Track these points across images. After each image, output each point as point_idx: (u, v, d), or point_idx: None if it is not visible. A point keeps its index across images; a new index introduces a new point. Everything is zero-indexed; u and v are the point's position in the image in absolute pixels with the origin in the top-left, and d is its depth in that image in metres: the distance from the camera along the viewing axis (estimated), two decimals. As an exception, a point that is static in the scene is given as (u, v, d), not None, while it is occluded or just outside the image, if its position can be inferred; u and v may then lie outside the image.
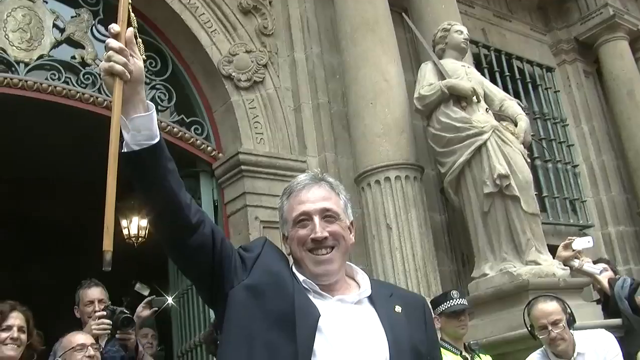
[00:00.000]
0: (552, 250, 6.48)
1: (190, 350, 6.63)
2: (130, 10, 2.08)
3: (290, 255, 2.28)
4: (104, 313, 4.54)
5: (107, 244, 1.91)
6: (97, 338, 4.37)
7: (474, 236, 6.17)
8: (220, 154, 6.70)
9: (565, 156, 9.39)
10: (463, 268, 6.98)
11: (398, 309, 2.28)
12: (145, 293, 4.72)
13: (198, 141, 6.64)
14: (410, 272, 5.93)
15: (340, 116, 6.97)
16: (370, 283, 2.28)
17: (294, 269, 2.25)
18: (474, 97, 6.19)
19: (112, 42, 1.95)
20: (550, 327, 4.28)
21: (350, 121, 6.72)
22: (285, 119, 6.84)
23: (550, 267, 5.85)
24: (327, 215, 2.23)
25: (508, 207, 5.98)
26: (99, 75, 6.25)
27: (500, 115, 6.39)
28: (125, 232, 9.93)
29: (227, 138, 6.74)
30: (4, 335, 3.71)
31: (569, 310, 4.46)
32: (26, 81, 5.89)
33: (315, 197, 2.25)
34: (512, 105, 6.51)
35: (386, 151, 6.28)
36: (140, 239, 9.95)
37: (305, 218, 2.22)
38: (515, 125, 6.33)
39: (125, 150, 1.96)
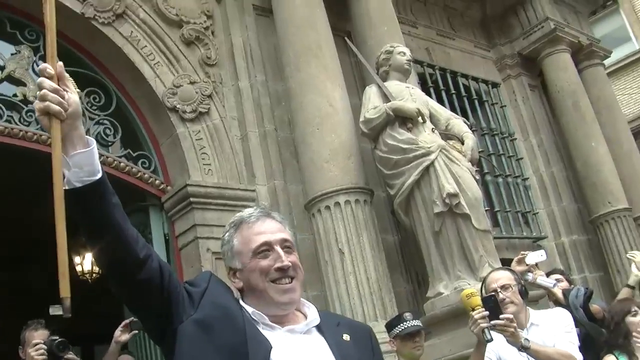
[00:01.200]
0: (507, 263, 6.52)
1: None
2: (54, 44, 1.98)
3: (237, 289, 2.26)
4: (40, 341, 4.50)
5: (65, 290, 1.83)
6: None
7: (427, 256, 6.19)
8: (169, 187, 6.62)
9: (515, 170, 9.50)
10: (419, 288, 6.98)
11: (346, 337, 2.29)
12: (60, 312, 4.61)
13: (146, 175, 6.57)
14: (366, 295, 5.91)
15: (288, 143, 6.96)
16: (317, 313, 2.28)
17: (241, 302, 2.23)
18: (420, 118, 6.23)
19: (45, 82, 1.90)
20: (499, 291, 4.27)
21: (297, 147, 6.71)
22: (232, 149, 6.79)
23: (504, 283, 5.88)
24: (286, 246, 2.24)
25: (459, 226, 6.03)
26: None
27: (447, 135, 6.44)
28: (78, 268, 9.81)
29: (175, 170, 6.67)
30: None
31: (521, 282, 4.47)
32: (-32, 122, 5.79)
33: (272, 228, 2.25)
34: (458, 124, 6.57)
35: (334, 176, 6.27)
36: (94, 274, 9.83)
37: (266, 248, 2.21)
38: (462, 143, 6.38)
39: (68, 188, 1.91)
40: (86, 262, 9.79)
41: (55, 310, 4.66)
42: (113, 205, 1.98)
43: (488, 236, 6.14)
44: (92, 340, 12.68)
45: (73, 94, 1.96)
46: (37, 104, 1.89)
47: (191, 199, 6.34)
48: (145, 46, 6.73)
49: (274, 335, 2.12)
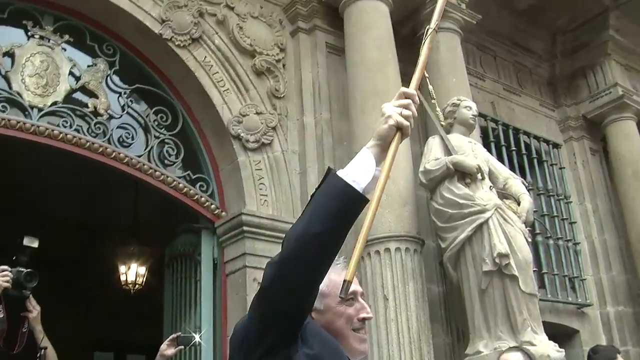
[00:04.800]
0: (549, 328, 6.48)
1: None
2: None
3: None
4: (7, 268, 4.27)
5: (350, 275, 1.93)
6: None
7: (470, 313, 6.17)
8: (224, 213, 6.72)
9: (567, 233, 9.40)
10: (457, 342, 6.94)
11: None
12: (35, 245, 4.53)
13: (202, 198, 6.68)
14: (405, 344, 5.90)
15: (345, 184, 6.98)
16: None
17: None
18: (479, 175, 6.24)
19: (412, 106, 2.09)
20: None
21: (355, 189, 6.72)
22: (290, 183, 6.87)
23: (546, 348, 5.85)
24: (364, 299, 2.34)
25: (506, 286, 6.00)
26: (108, 125, 6.35)
27: (504, 194, 6.44)
28: (122, 278, 9.94)
29: (231, 197, 6.77)
30: None
31: None
32: (38, 126, 5.95)
33: (356, 280, 2.25)
34: (516, 184, 6.57)
35: (388, 222, 6.29)
36: (137, 286, 9.95)
37: (352, 297, 2.28)
38: (518, 204, 6.37)
39: (362, 194, 1.98)
40: (130, 273, 9.89)
41: (29, 242, 4.55)
42: None
43: (534, 300, 6.10)
44: (125, 347, 12.93)
45: None
46: (396, 118, 2.04)
47: (244, 228, 6.43)
48: (217, 72, 6.87)
49: None
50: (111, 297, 10.24)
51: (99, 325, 11.45)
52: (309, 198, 2.05)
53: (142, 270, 9.88)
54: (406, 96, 2.09)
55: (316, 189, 1.99)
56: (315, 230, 1.92)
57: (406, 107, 2.06)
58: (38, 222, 8.72)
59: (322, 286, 2.27)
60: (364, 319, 2.28)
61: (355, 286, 2.28)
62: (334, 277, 2.28)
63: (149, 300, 8.65)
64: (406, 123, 2.03)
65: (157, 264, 9.01)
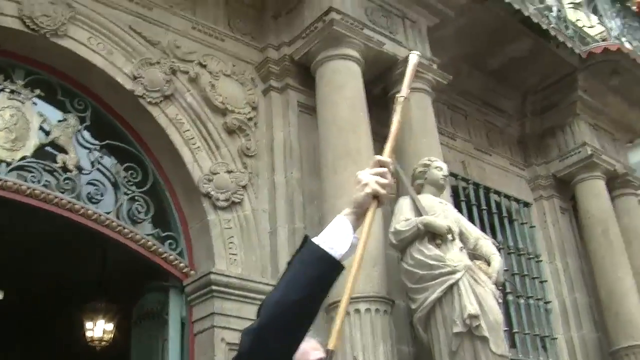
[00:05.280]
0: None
1: None
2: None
3: None
4: None
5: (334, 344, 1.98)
6: None
7: (441, 375, 6.12)
8: (192, 271, 6.64)
9: (538, 292, 9.41)
10: (426, 403, 6.86)
11: None
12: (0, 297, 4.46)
13: (171, 256, 6.59)
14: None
15: (315, 242, 6.95)
16: None
17: None
18: (449, 236, 6.24)
19: (387, 174, 2.14)
20: None
21: (324, 249, 6.69)
22: (259, 242, 6.82)
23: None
24: None
25: (477, 348, 5.96)
26: (77, 181, 6.29)
27: (475, 254, 6.44)
28: (89, 334, 9.78)
29: (200, 256, 6.70)
30: None
31: None
32: (6, 181, 5.88)
33: (320, 347, 2.43)
34: (487, 244, 6.58)
35: (357, 282, 6.24)
36: (103, 342, 9.79)
37: None
38: (489, 264, 6.38)
39: (339, 260, 2.02)
40: (97, 329, 9.74)
41: None
42: None
43: (505, 362, 6.06)
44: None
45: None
46: (373, 186, 2.08)
47: (213, 287, 6.34)
48: (188, 130, 6.85)
49: None
50: (77, 354, 10.06)
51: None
52: (286, 265, 2.09)
53: (110, 327, 9.74)
54: (381, 164, 2.12)
55: (293, 256, 2.03)
56: (294, 297, 1.96)
57: (382, 175, 2.10)
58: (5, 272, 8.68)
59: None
60: None
61: (319, 353, 2.39)
62: (304, 345, 2.28)
63: (115, 358, 8.51)
64: (383, 191, 2.07)
65: (123, 321, 8.88)
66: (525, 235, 9.71)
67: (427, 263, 6.15)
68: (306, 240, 2.04)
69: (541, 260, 9.72)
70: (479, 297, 6.03)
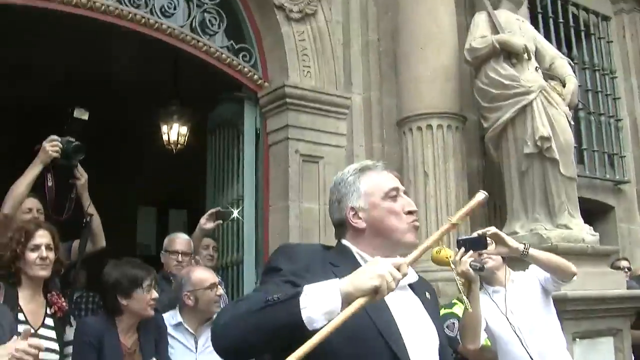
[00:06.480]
0: (585, 203, 6.50)
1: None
2: None
3: (356, 229, 2.36)
4: (55, 136, 4.35)
5: None
6: None
7: (509, 193, 6.22)
8: (266, 83, 6.69)
9: (610, 109, 9.22)
10: (494, 217, 6.99)
11: (428, 295, 2.45)
12: (85, 117, 4.58)
13: (245, 68, 6.63)
14: (443, 222, 5.98)
15: (388, 56, 6.91)
16: None
17: (345, 242, 2.39)
18: (525, 55, 6.12)
19: (405, 268, 2.04)
20: None
21: (398, 63, 6.67)
22: (333, 54, 6.78)
23: (581, 232, 5.92)
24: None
25: (546, 169, 6.00)
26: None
27: (550, 74, 6.33)
28: (165, 137, 10.05)
29: (274, 68, 6.71)
30: (33, 255, 3.74)
31: None
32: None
33: (396, 178, 2.46)
34: (563, 65, 6.44)
35: (431, 98, 6.28)
36: (179, 145, 10.07)
37: (396, 193, 2.38)
38: (564, 86, 6.28)
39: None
40: (173, 132, 9.99)
41: (80, 114, 4.60)
42: None
43: (573, 184, 6.09)
44: (168, 204, 13.33)
45: None
46: (383, 283, 1.92)
47: (287, 100, 6.42)
48: (262, -59, 6.66)
49: None
50: (157, 155, 10.36)
51: (142, 183, 11.80)
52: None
53: (184, 130, 9.98)
54: (397, 267, 1.97)
55: (277, 298, 1.93)
56: (251, 340, 1.96)
57: (399, 267, 1.96)
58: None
59: (365, 187, 2.39)
60: (410, 212, 2.35)
61: (396, 183, 2.41)
62: (376, 176, 2.41)
63: (191, 162, 8.76)
64: (385, 291, 1.92)
65: (198, 127, 9.08)
66: (601, 51, 9.37)
67: (501, 82, 6.08)
68: (298, 294, 1.91)
69: (616, 77, 9.41)
70: (552, 118, 5.97)
